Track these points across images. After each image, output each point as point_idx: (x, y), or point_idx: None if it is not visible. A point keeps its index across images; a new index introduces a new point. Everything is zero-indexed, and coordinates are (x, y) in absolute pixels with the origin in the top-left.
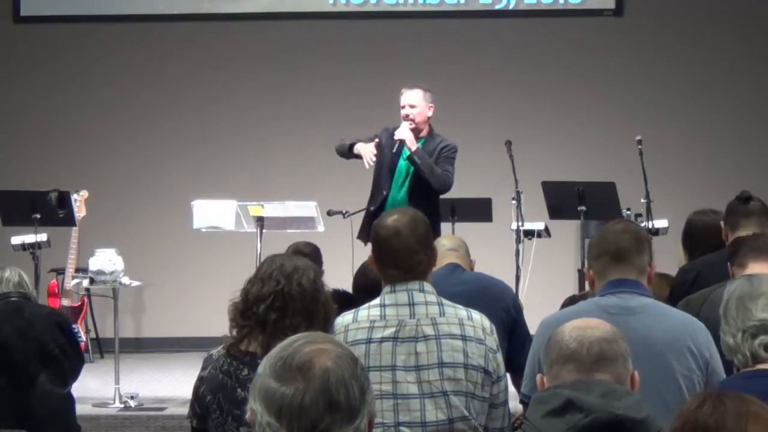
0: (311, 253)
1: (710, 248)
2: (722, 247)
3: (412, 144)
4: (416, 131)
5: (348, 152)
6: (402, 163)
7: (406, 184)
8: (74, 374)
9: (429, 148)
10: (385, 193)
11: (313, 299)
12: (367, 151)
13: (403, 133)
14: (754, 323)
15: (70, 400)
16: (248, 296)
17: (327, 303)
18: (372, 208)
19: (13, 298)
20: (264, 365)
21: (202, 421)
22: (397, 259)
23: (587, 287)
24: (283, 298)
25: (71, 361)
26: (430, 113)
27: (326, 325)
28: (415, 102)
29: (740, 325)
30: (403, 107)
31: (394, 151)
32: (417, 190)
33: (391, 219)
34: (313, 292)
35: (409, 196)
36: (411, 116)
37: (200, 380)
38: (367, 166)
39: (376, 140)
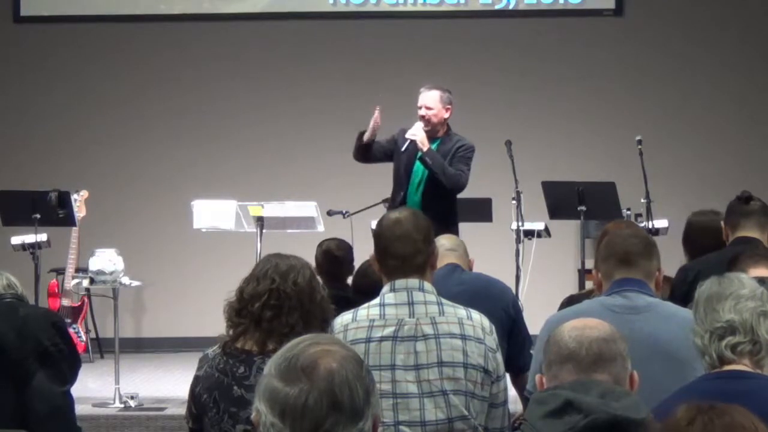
0: (343, 256)
1: (708, 249)
2: (722, 247)
3: (423, 144)
4: (432, 132)
5: (359, 145)
6: (418, 165)
7: (422, 185)
8: (72, 374)
9: (445, 149)
10: (402, 193)
11: (309, 298)
12: (372, 123)
13: (415, 133)
14: (722, 325)
15: (70, 400)
16: (243, 295)
17: (324, 302)
18: (387, 207)
19: (7, 299)
20: (269, 366)
21: (197, 420)
22: (396, 246)
23: (587, 286)
24: (279, 296)
25: (68, 362)
26: (447, 115)
27: (323, 325)
28: (431, 104)
29: (708, 326)
30: (420, 108)
31: (403, 150)
32: (431, 190)
33: (394, 213)
34: (310, 291)
35: (423, 196)
36: (426, 117)
37: (196, 379)
38: (372, 125)
39: (379, 108)
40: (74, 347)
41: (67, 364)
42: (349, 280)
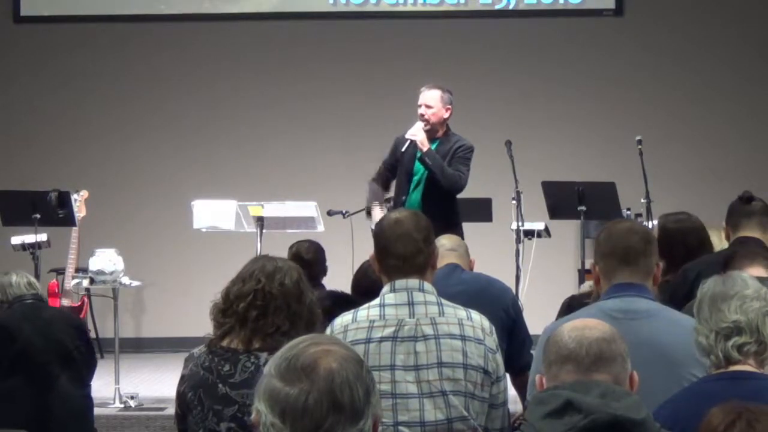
0: (312, 258)
1: (691, 251)
2: (701, 247)
3: (423, 145)
4: (432, 132)
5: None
6: (418, 166)
7: (421, 184)
8: (90, 376)
9: (444, 149)
10: (404, 197)
11: (297, 300)
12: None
13: (415, 133)
14: (728, 325)
15: (89, 402)
16: (229, 295)
17: (312, 305)
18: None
19: (29, 300)
20: (270, 366)
21: (183, 420)
22: (396, 246)
23: (587, 286)
24: (264, 297)
25: (87, 363)
26: (446, 115)
27: (310, 328)
28: (431, 103)
29: (713, 326)
30: (420, 106)
31: (403, 150)
32: (430, 191)
33: (394, 213)
34: (297, 293)
35: (423, 197)
36: (426, 116)
37: (182, 378)
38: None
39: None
40: (92, 349)
41: (86, 365)
42: (325, 280)
